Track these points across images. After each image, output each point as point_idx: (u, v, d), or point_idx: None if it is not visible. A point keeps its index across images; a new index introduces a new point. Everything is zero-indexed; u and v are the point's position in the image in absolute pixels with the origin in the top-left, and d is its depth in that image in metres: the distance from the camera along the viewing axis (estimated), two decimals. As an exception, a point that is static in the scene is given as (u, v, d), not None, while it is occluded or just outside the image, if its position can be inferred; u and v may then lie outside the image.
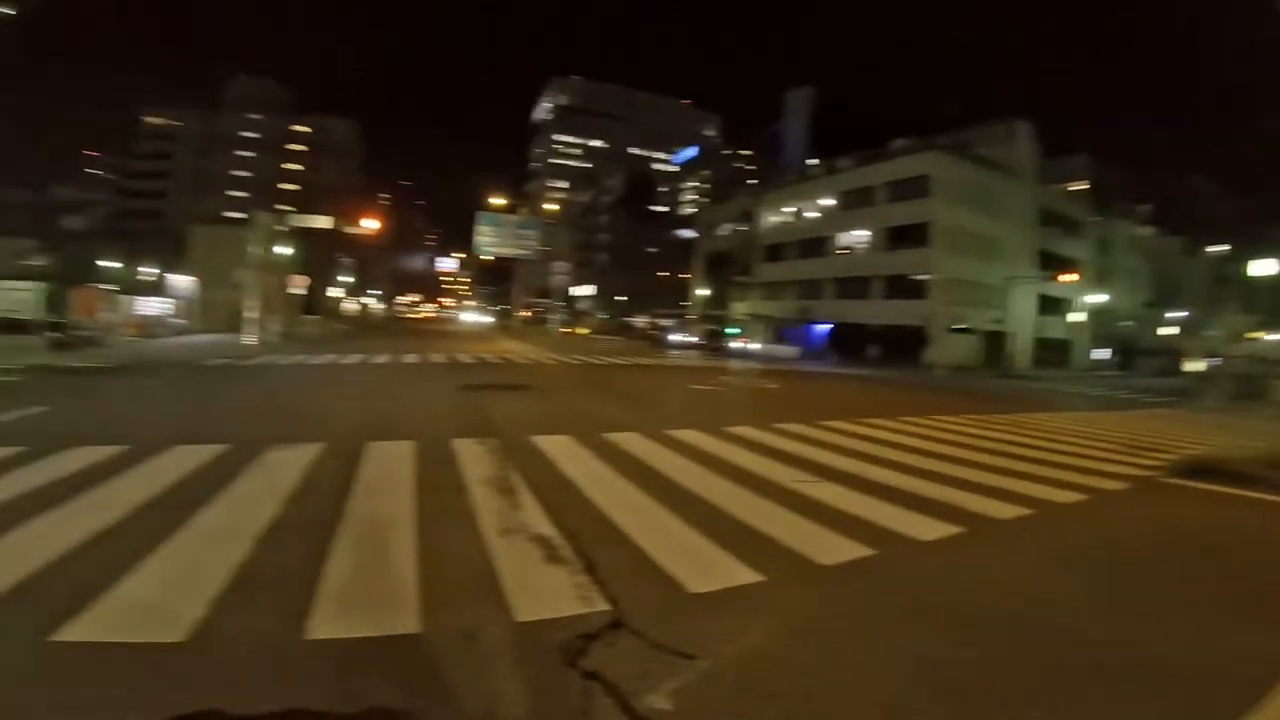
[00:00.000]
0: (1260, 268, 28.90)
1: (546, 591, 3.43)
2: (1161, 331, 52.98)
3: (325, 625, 2.92)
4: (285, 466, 5.74)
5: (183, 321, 33.76)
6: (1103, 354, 48.24)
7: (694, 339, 44.11)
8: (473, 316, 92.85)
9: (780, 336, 45.06)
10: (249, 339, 25.87)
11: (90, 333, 21.47)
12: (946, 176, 38.38)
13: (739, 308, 49.91)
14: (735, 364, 28.33)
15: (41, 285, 24.95)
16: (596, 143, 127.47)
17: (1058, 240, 45.21)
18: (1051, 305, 44.03)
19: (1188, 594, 4.12)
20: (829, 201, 45.44)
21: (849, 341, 39.99)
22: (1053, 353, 44.07)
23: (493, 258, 70.72)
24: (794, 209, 48.67)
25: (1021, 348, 41.52)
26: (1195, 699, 2.81)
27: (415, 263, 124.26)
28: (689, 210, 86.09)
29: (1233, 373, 21.18)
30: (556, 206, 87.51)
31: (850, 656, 2.98)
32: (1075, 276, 39.33)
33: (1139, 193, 61.68)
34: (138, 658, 2.59)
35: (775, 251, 49.33)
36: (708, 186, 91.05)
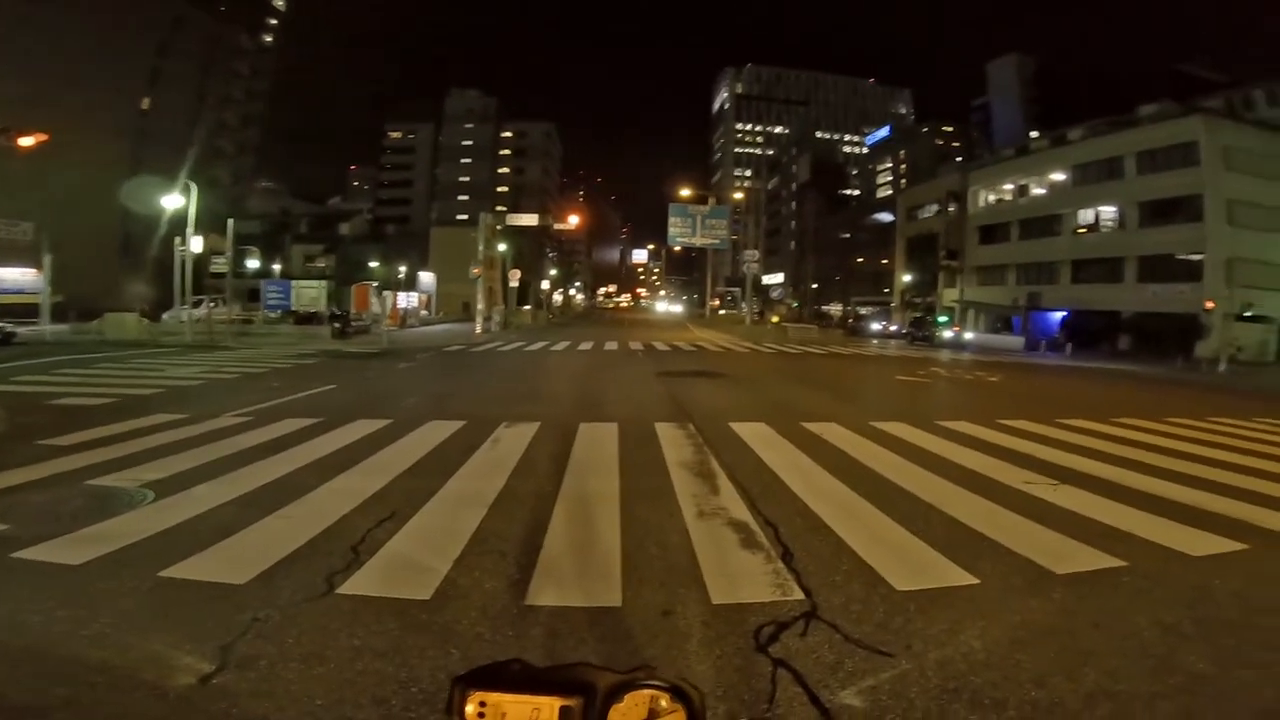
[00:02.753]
0: None
1: (742, 576, 3.47)
2: None
3: (541, 593, 3.21)
4: (512, 443, 6.50)
5: (426, 312, 39.40)
6: None
7: (896, 327, 41.08)
8: (664, 306, 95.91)
9: (1002, 325, 40.18)
10: (477, 328, 29.40)
11: (362, 323, 26.01)
12: (1221, 142, 31.29)
13: (948, 294, 45.42)
14: (946, 354, 25.90)
15: (325, 284, 30.61)
16: (779, 129, 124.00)
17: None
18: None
19: None
20: (1059, 176, 39.36)
21: (1089, 331, 34.34)
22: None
23: (682, 248, 72.31)
24: (1013, 186, 42.97)
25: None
26: None
27: (610, 255, 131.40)
28: (885, 193, 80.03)
29: None
30: (742, 195, 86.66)
31: (1086, 670, 2.63)
32: None
33: None
34: (397, 611, 3.03)
35: (990, 233, 44.00)
36: (905, 167, 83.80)
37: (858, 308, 55.27)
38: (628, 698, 0.75)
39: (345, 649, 2.63)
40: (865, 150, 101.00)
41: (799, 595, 3.24)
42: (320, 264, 52.02)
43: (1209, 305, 28.89)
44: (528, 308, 45.98)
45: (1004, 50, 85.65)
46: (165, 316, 25.80)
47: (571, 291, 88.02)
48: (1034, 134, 53.62)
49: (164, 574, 3.26)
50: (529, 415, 7.94)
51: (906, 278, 52.40)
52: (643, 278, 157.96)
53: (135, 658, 2.51)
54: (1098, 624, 3.06)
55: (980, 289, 43.60)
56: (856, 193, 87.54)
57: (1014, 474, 5.88)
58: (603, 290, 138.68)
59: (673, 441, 6.74)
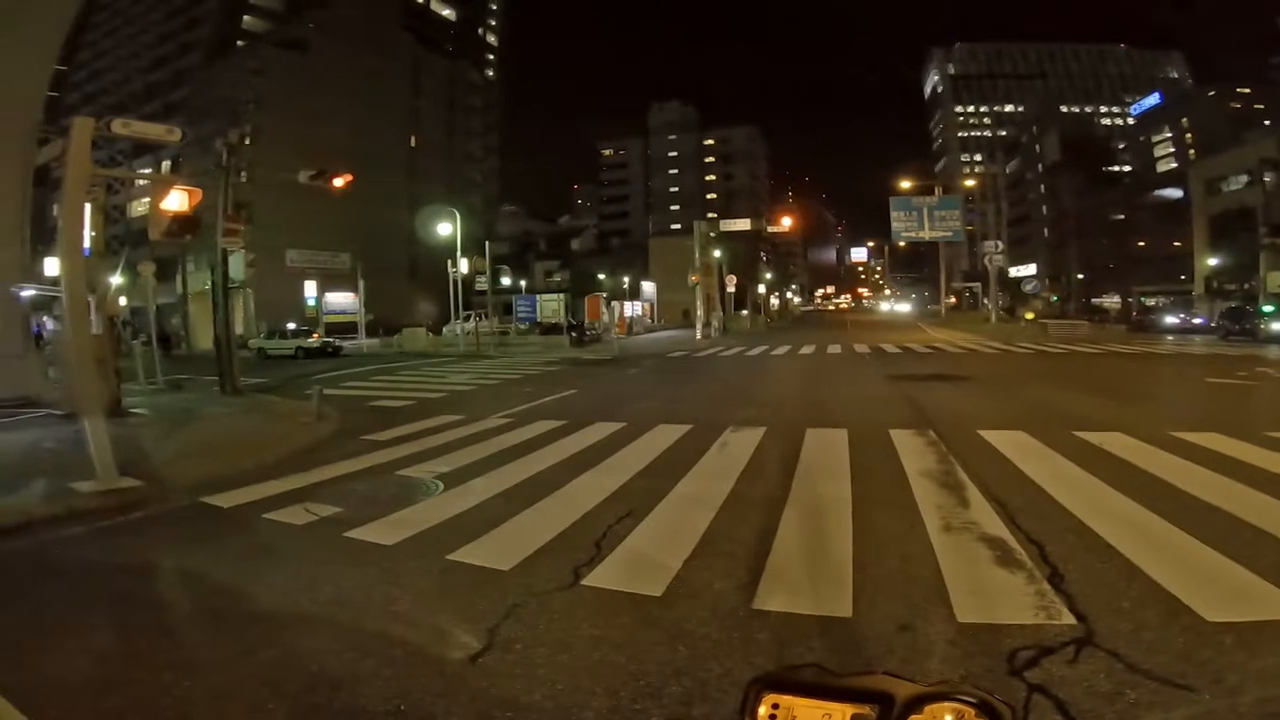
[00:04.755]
0: None
1: (997, 595, 3.13)
2: None
3: (769, 597, 3.19)
4: (738, 447, 6.64)
5: (649, 320, 41.68)
6: None
7: (1202, 320, 33.36)
8: (890, 305, 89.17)
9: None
10: (697, 334, 30.34)
11: (595, 332, 28.44)
12: None
13: (1275, 278, 35.64)
14: (1276, 353, 20.38)
15: (563, 296, 33.97)
16: (1010, 107, 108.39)
17: None
18: None
19: None
20: None
21: None
22: None
23: (907, 244, 66.65)
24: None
25: None
26: None
27: (827, 255, 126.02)
28: (1169, 166, 65.34)
29: None
30: (974, 182, 77.05)
31: None
32: None
33: None
34: (632, 605, 3.22)
35: (1341, 198, 33.57)
36: (1189, 136, 67.49)
37: (1142, 298, 46.04)
38: (928, 710, 0.75)
39: (586, 638, 2.84)
40: (1131, 121, 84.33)
41: (1069, 620, 2.82)
42: (557, 278, 57.77)
43: None
44: (745, 313, 46.06)
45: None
46: (445, 330, 30.80)
47: (789, 294, 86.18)
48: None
49: (450, 557, 3.85)
50: (754, 420, 8.03)
51: (1212, 261, 42.43)
52: (863, 277, 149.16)
53: (425, 634, 2.95)
54: None
55: (1327, 268, 33.56)
56: (1127, 168, 73.25)
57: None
58: (821, 292, 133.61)
59: (911, 449, 6.31)
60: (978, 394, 10.48)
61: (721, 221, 38.21)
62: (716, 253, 36.40)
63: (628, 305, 40.71)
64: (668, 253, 50.20)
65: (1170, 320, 34.42)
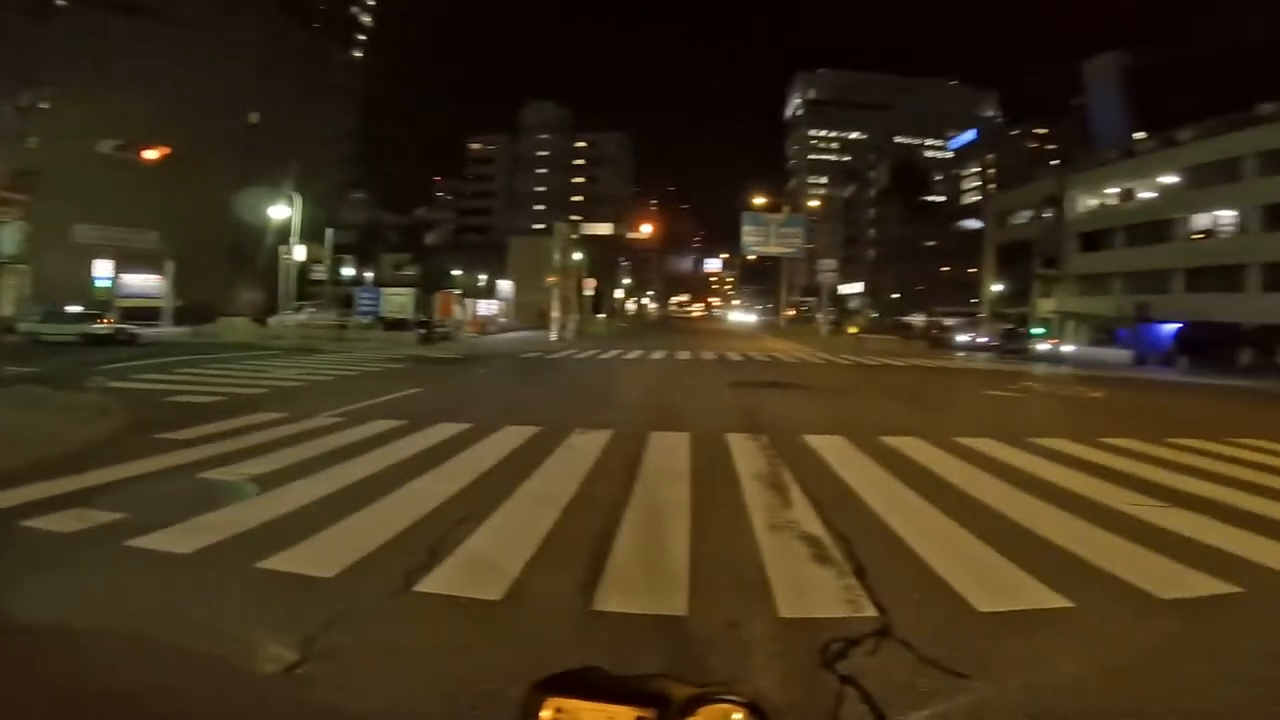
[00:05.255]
0: None
1: (812, 591, 3.40)
2: None
3: (609, 598, 3.24)
4: (585, 449, 6.63)
5: (504, 320, 40.73)
6: None
7: (986, 339, 38.94)
8: (738, 316, 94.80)
9: (1106, 337, 37.41)
10: (552, 335, 30.12)
11: (445, 329, 27.19)
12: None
13: (1044, 304, 42.68)
14: (1042, 368, 24.34)
15: (412, 291, 32.15)
16: (854, 134, 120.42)
17: None
18: None
19: None
20: (1170, 179, 36.42)
21: (1207, 344, 31.40)
22: None
23: (756, 257, 71.40)
24: (1119, 190, 40.04)
25: None
26: None
27: (683, 264, 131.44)
28: (973, 199, 76.23)
29: None
30: (818, 203, 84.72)
31: (1188, 697, 2.44)
32: None
33: None
34: (470, 610, 3.13)
35: (1093, 239, 41.06)
36: (993, 172, 79.47)
37: (942, 318, 52.81)
38: (702, 711, 0.76)
39: (419, 645, 2.73)
40: (950, 155, 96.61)
41: (871, 612, 3.13)
42: (408, 272, 54.67)
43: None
44: (601, 316, 46.59)
45: (1096, 49, 79.50)
46: (271, 321, 27.86)
47: (644, 300, 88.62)
48: (1138, 135, 49.83)
49: (261, 565, 3.49)
50: (602, 423, 8.07)
51: (996, 287, 49.70)
52: (715, 287, 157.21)
53: (229, 645, 2.68)
54: (1205, 653, 2.84)
55: (1081, 299, 40.76)
56: (941, 199, 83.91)
57: (1116, 495, 5.46)
58: (675, 299, 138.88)
59: (745, 453, 6.68)
60: (805, 401, 11.38)
61: (584, 225, 38.25)
62: (577, 255, 36.43)
63: (482, 303, 39.47)
64: (528, 252, 49.41)
65: (961, 338, 39.80)
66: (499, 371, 15.35)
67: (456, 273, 51.91)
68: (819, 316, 57.88)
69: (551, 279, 31.81)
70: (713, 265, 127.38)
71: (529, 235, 66.02)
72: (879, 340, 41.34)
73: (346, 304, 31.86)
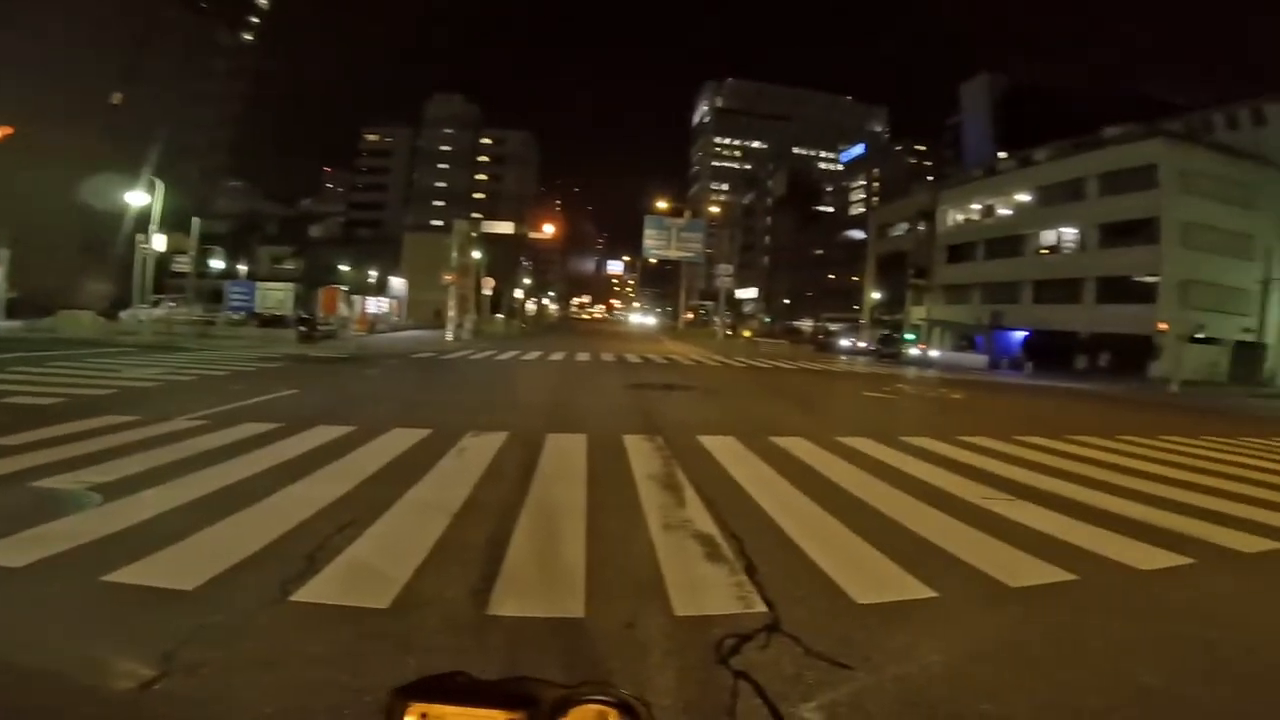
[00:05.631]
0: None
1: (706, 589, 3.48)
2: None
3: (504, 603, 3.17)
4: (478, 452, 6.42)
5: (396, 318, 38.88)
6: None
7: (865, 344, 41.75)
8: (638, 318, 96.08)
9: (966, 343, 41.16)
10: (448, 335, 29.08)
11: (329, 327, 25.53)
12: (1179, 165, 32.62)
13: (916, 312, 46.43)
14: (912, 372, 26.41)
15: (293, 287, 29.97)
16: (756, 144, 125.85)
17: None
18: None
19: None
20: (1024, 197, 40.70)
21: (1050, 350, 35.37)
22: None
23: (657, 260, 72.66)
24: (981, 206, 44.28)
25: (1286, 361, 33.96)
26: None
27: (585, 266, 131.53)
28: (859, 210, 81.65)
29: None
30: (718, 209, 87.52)
31: (1040, 683, 2.69)
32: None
33: None
34: (354, 619, 2.96)
35: (958, 252, 45.19)
36: (878, 185, 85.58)
37: (828, 324, 56.05)
38: (573, 712, 0.75)
39: (299, 656, 2.57)
40: (840, 167, 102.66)
41: (762, 608, 3.25)
42: (289, 266, 51.01)
43: (1162, 327, 29.99)
44: (500, 316, 45.54)
45: (980, 70, 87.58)
46: (123, 315, 24.98)
47: (545, 301, 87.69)
48: (1002, 154, 55.15)
49: (107, 578, 3.14)
50: (497, 425, 7.86)
51: (876, 295, 53.36)
52: (617, 289, 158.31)
53: (73, 664, 2.44)
54: (1050, 638, 3.13)
55: (947, 307, 44.64)
56: (830, 209, 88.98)
57: (973, 489, 6.00)
58: (577, 301, 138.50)
59: (641, 454, 6.74)
60: (700, 403, 11.69)
61: (485, 223, 37.20)
62: (476, 254, 35.40)
63: (373, 301, 37.48)
64: (424, 249, 47.54)
65: (844, 343, 42.44)
66: (388, 372, 14.59)
67: (344, 268, 49.06)
68: (716, 320, 59.64)
69: (449, 277, 30.71)
70: (615, 267, 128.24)
71: (426, 232, 63.62)
72: (771, 344, 43.33)
73: (215, 299, 29.20)
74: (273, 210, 70.96)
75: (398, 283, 47.29)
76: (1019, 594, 3.64)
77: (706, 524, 4.54)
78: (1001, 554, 4.25)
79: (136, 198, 22.59)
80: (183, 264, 25.24)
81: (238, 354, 17.13)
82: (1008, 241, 41.06)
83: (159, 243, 21.89)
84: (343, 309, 28.82)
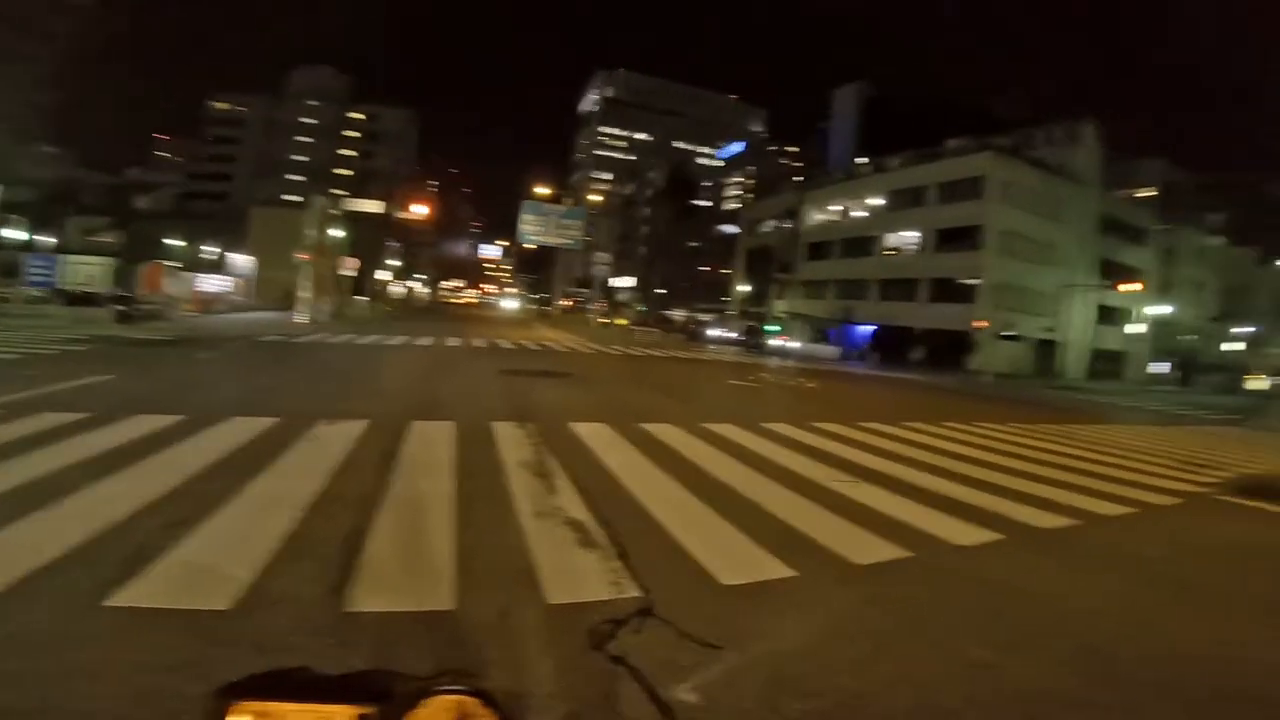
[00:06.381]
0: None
1: (579, 575, 3.48)
2: (1226, 347, 50.31)
3: (364, 598, 2.99)
4: (332, 441, 5.95)
5: (240, 298, 35.15)
6: (1161, 368, 46.04)
7: (733, 335, 43.72)
8: (513, 304, 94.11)
9: (821, 336, 44.41)
10: (301, 317, 26.74)
11: (154, 307, 22.54)
12: (1002, 178, 37.11)
13: (779, 305, 49.35)
14: (774, 361, 28.06)
15: (111, 261, 26.19)
16: (641, 135, 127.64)
17: (1120, 248, 43.34)
18: (1110, 315, 42.26)
19: (1237, 610, 3.97)
20: (877, 201, 44.48)
21: (892, 344, 39.15)
22: (1108, 364, 42.34)
23: (535, 246, 71.50)
24: (840, 207, 47.81)
25: (1076, 358, 40.00)
26: (1247, 714, 2.71)
27: (460, 249, 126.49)
28: (733, 206, 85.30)
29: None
30: (600, 198, 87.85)
31: (887, 657, 2.94)
32: (1137, 286, 37.62)
33: (1212, 200, 58.49)
34: (186, 623, 2.68)
35: (819, 250, 48.59)
36: (753, 182, 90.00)
37: (699, 314, 58.09)
38: (430, 703, 0.71)
39: (125, 664, 2.34)
40: (720, 164, 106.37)
41: (635, 592, 3.30)
42: (106, 239, 44.45)
43: (979, 324, 34.13)
44: (363, 299, 42.58)
45: (855, 79, 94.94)
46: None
47: (414, 284, 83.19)
48: (862, 160, 59.88)
49: None
50: (355, 412, 7.34)
51: (745, 288, 56.01)
52: (492, 274, 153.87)
53: None
54: (892, 613, 3.42)
55: (806, 302, 47.87)
56: (708, 204, 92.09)
57: (823, 472, 6.48)
58: (449, 284, 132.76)
59: (512, 441, 6.59)
60: (573, 390, 11.66)
61: (350, 200, 34.53)
62: (339, 232, 32.74)
63: (211, 279, 33.60)
64: (276, 226, 43.21)
65: (713, 333, 44.25)
66: (227, 356, 13.13)
67: (177, 243, 43.62)
68: (592, 308, 59.83)
69: (303, 255, 28.22)
70: (490, 252, 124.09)
71: (280, 207, 58.24)
72: (645, 333, 44.15)
73: (9, 272, 24.83)
74: (94, 179, 61.51)
75: (242, 260, 42.75)
76: (866, 571, 3.96)
77: (579, 511, 4.54)
78: (850, 534, 4.61)
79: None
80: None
81: (35, 334, 14.67)
82: (860, 242, 44.68)
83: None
84: (169, 286, 25.57)
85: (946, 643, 3.13)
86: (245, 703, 0.68)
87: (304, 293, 27.76)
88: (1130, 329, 42.49)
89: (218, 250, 44.86)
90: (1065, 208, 39.73)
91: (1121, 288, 36.74)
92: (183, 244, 44.12)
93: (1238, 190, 62.81)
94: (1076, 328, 39.60)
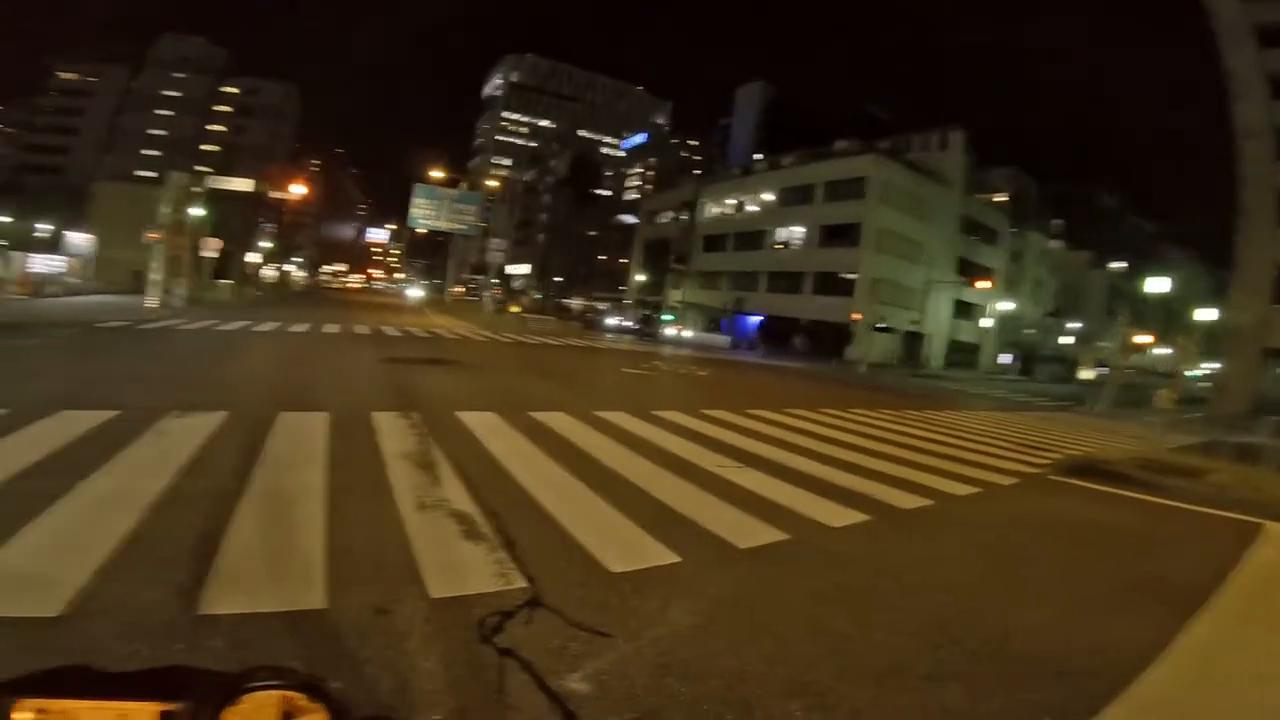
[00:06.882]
0: (1154, 285, 31.53)
1: (464, 568, 3.37)
2: (1061, 340, 57.16)
3: (221, 600, 2.75)
4: (182, 435, 5.38)
5: (78, 280, 31.10)
6: (1007, 359, 51.55)
7: (629, 324, 44.14)
8: (418, 291, 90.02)
9: (714, 325, 45.84)
10: (151, 302, 24.03)
11: (-36, 285, 19.41)
12: (882, 179, 39.85)
13: (674, 295, 50.40)
14: (667, 350, 28.63)
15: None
16: (545, 122, 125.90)
17: (977, 248, 47.90)
18: (965, 310, 46.64)
19: (1064, 582, 4.47)
20: (769, 196, 46.45)
21: (778, 334, 41.13)
22: (963, 355, 46.78)
23: (427, 231, 68.45)
24: (734, 202, 49.52)
25: (936, 349, 43.81)
26: (1069, 683, 3.00)
27: (344, 232, 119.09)
28: (633, 196, 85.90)
29: (1119, 382, 23.04)
30: (498, 183, 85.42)
31: (765, 638, 3.04)
32: (989, 284, 41.78)
33: (1053, 208, 66.18)
34: (7, 632, 2.37)
35: (713, 242, 50.09)
36: (653, 174, 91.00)
37: (596, 303, 58.15)
38: (250, 699, 0.64)
39: None
40: (622, 154, 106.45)
41: (522, 583, 3.24)
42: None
43: (855, 317, 36.58)
44: (227, 281, 38.88)
45: (756, 77, 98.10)
46: None
47: (289, 267, 77.12)
48: (758, 157, 62.13)
49: None
50: (210, 404, 6.66)
51: (641, 277, 56.74)
52: (379, 258, 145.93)
53: None
54: (770, 595, 3.56)
55: (700, 292, 49.23)
56: (609, 193, 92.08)
57: (710, 458, 6.68)
58: (331, 268, 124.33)
59: (393, 432, 6.27)
60: (462, 378, 11.30)
61: (214, 177, 31.23)
62: (199, 211, 29.53)
63: (42, 259, 29.55)
64: (124, 203, 38.68)
65: (610, 321, 44.50)
66: (59, 344, 11.53)
67: (4, 219, 38.08)
68: (485, 295, 58.24)
69: (153, 235, 25.30)
70: (377, 235, 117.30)
71: (130, 182, 52.21)
72: (539, 320, 43.53)
73: None
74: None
75: (79, 239, 37.82)
76: (746, 554, 4.11)
77: (464, 502, 4.40)
78: (732, 518, 4.77)
79: None
80: None
81: None
82: (752, 236, 46.52)
83: None
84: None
85: (815, 619, 3.30)
86: (28, 700, 0.62)
87: (155, 275, 24.94)
88: (983, 323, 47.18)
89: (52, 228, 39.53)
90: (933, 209, 43.34)
91: (977, 285, 40.69)
92: (9, 221, 38.55)
93: (1075, 199, 71.55)
94: (938, 321, 43.37)
